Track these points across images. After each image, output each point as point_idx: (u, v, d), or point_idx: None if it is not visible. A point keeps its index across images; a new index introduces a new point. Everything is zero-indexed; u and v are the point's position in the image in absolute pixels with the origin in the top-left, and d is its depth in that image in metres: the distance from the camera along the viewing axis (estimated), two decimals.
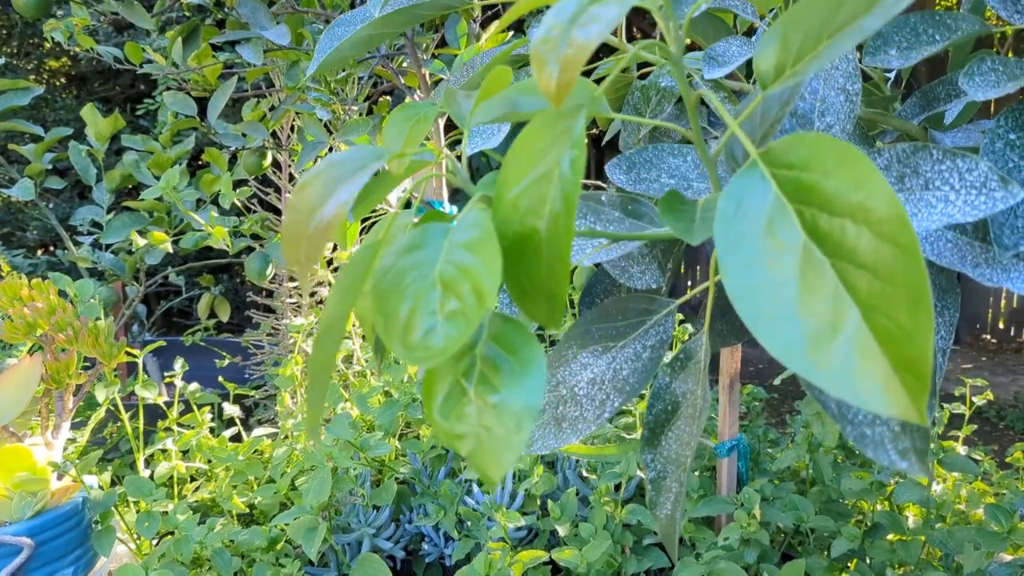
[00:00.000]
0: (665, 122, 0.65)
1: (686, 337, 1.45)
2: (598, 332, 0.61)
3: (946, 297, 0.66)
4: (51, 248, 4.32)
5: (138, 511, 1.07)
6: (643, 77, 0.78)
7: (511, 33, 1.49)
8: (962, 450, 1.57)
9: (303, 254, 0.39)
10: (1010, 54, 0.66)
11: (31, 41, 4.27)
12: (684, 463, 0.57)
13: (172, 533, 1.06)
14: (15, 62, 4.54)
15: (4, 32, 4.38)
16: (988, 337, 4.44)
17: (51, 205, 4.10)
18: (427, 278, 0.35)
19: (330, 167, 0.41)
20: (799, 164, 0.32)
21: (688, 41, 0.54)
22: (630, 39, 1.06)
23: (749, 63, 0.68)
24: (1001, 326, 4.41)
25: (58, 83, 4.71)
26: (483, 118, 0.48)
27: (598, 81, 0.84)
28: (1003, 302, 4.42)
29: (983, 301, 4.46)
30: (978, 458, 1.61)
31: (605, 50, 0.67)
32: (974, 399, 1.64)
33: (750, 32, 0.90)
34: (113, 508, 1.06)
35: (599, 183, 1.26)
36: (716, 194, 0.43)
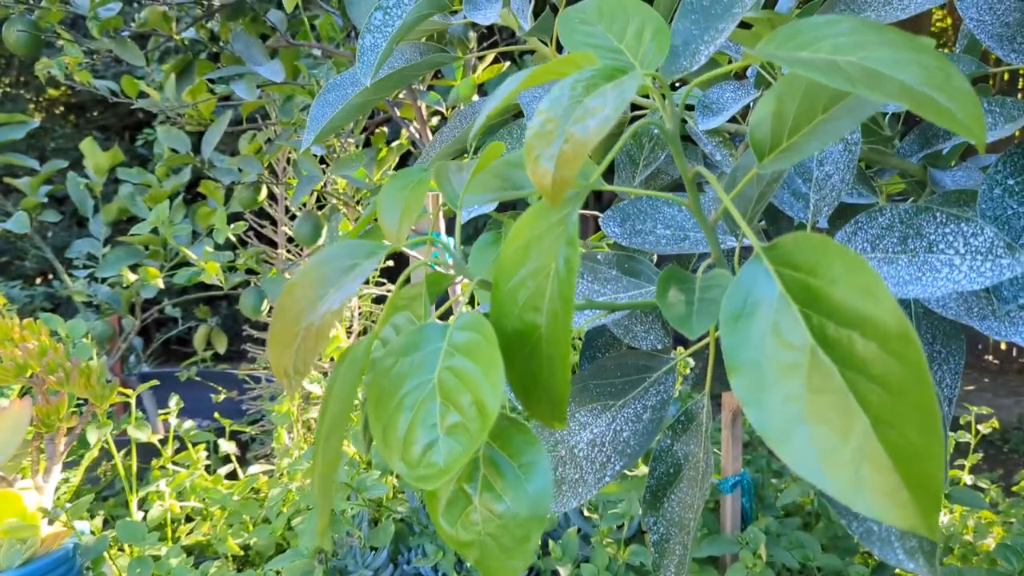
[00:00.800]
0: (658, 172, 0.64)
1: (687, 370, 1.44)
2: (596, 389, 0.59)
3: (950, 343, 0.64)
4: (49, 277, 4.32)
5: (131, 556, 1.05)
6: (635, 119, 0.77)
7: (507, 64, 1.48)
8: (968, 479, 1.55)
9: (291, 364, 0.37)
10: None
11: (31, 70, 4.29)
12: (688, 526, 0.55)
13: None
14: (15, 91, 4.56)
15: (3, 62, 4.40)
16: (990, 358, 4.42)
17: (50, 234, 4.11)
18: (425, 387, 0.33)
19: (319, 266, 0.39)
20: (805, 267, 0.30)
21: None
22: None
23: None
24: (1003, 347, 4.39)
25: (57, 111, 4.73)
26: (476, 198, 0.47)
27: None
28: None
29: None
30: (984, 486, 1.59)
31: None
32: (979, 427, 1.62)
33: (742, 72, 0.89)
34: (105, 553, 1.04)
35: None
36: (716, 272, 0.42)
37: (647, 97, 0.52)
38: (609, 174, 0.89)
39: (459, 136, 0.74)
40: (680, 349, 0.75)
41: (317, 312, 0.34)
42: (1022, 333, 0.53)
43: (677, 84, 0.74)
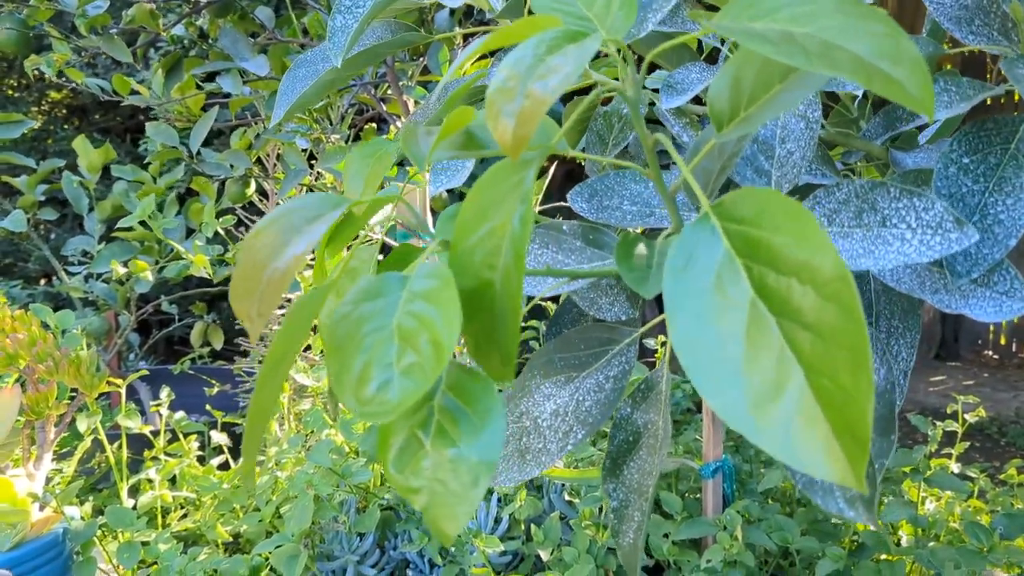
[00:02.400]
0: (627, 153, 0.65)
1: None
2: (561, 362, 0.61)
3: (907, 318, 0.66)
4: (51, 278, 4.34)
5: (120, 542, 1.07)
6: (607, 101, 0.79)
7: (493, 59, 1.50)
8: (956, 467, 1.56)
9: (255, 309, 0.39)
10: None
11: (33, 74, 4.32)
12: (646, 492, 0.57)
13: (155, 564, 1.06)
14: (17, 94, 4.59)
15: (5, 65, 4.43)
16: (990, 353, 4.42)
17: (52, 236, 4.13)
18: (384, 329, 0.34)
19: (286, 214, 0.41)
20: (749, 219, 0.31)
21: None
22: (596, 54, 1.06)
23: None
24: (1003, 342, 4.39)
25: (59, 114, 4.76)
26: (443, 155, 0.48)
27: (563, 98, 0.84)
28: None
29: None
30: (973, 475, 1.60)
31: None
32: (967, 416, 1.63)
33: (713, 56, 0.91)
34: (95, 539, 1.06)
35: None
36: (674, 237, 0.44)
37: (617, 80, 0.53)
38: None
39: (435, 115, 0.76)
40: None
41: (282, 258, 0.36)
42: (972, 306, 0.54)
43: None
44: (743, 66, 0.42)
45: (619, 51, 0.44)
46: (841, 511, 0.46)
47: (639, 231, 0.70)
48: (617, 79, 0.50)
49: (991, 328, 4.45)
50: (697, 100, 0.81)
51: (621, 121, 0.73)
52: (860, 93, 0.86)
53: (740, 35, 0.35)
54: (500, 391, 0.60)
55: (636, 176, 0.67)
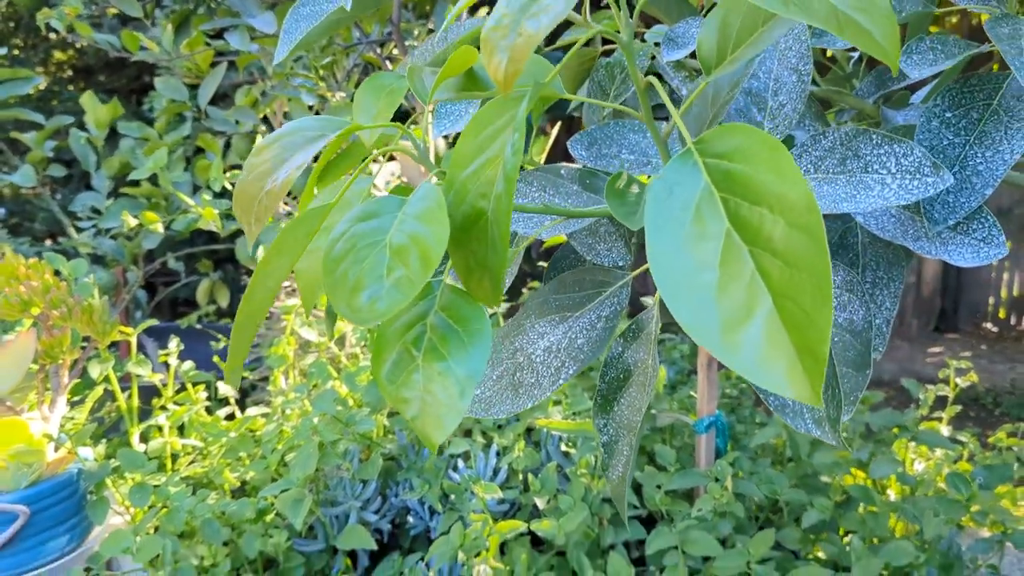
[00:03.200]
0: (626, 106, 0.68)
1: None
2: (556, 303, 0.63)
3: (892, 269, 0.69)
4: (58, 239, 4.37)
5: (132, 484, 1.10)
6: (608, 53, 0.81)
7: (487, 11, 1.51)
8: (946, 431, 1.59)
9: (254, 215, 0.42)
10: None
11: (38, 34, 4.31)
12: (635, 428, 0.60)
13: (166, 506, 1.10)
14: (23, 54, 4.59)
15: (11, 24, 4.42)
16: (988, 326, 4.44)
17: (59, 195, 4.16)
18: (378, 245, 0.37)
19: (288, 133, 0.44)
20: (728, 154, 0.33)
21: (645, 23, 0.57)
22: (599, 6, 1.08)
23: None
24: (1002, 315, 4.42)
25: (65, 75, 4.75)
26: (446, 94, 0.50)
27: (565, 50, 0.86)
28: (1003, 291, 4.42)
29: (984, 290, 4.46)
30: (964, 440, 1.63)
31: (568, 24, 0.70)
32: (958, 381, 1.66)
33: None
34: (107, 481, 1.10)
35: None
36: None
37: (618, 32, 0.56)
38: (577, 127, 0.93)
39: (434, 59, 0.78)
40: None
41: (282, 171, 0.39)
42: (950, 252, 0.57)
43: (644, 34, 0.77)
44: (730, 13, 0.44)
45: None
46: (809, 430, 0.49)
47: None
48: (618, 32, 0.52)
49: (990, 301, 4.48)
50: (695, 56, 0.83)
51: (623, 72, 0.75)
52: (856, 54, 0.88)
53: None
54: (491, 315, 0.63)
55: (635, 126, 0.70)
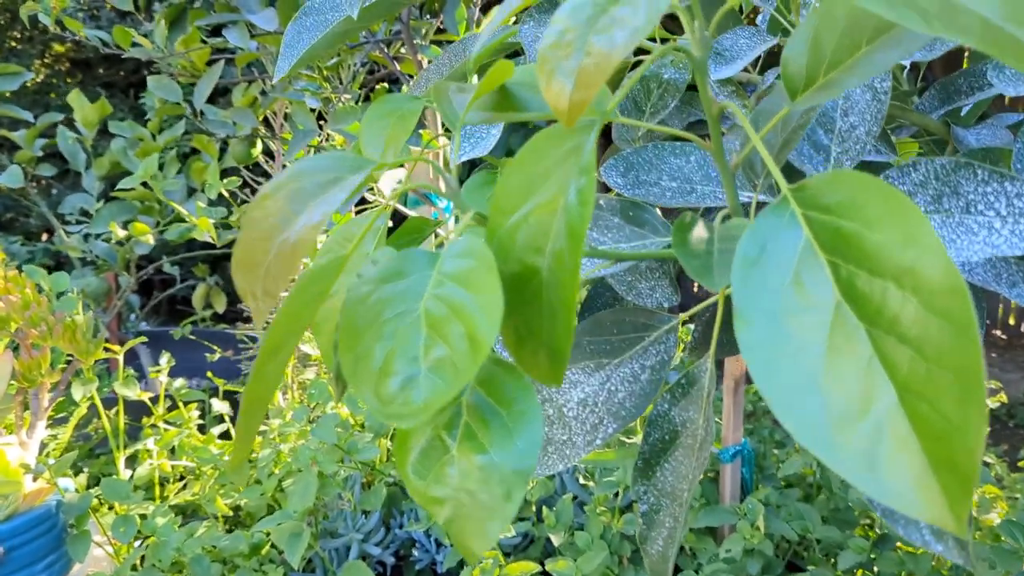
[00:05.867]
0: (683, 132, 0.60)
1: (688, 338, 1.40)
2: (590, 346, 0.56)
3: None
4: (52, 234, 4.30)
5: (116, 515, 1.03)
6: (635, 65, 0.73)
7: (513, 20, 1.43)
8: None
9: (260, 286, 0.33)
10: None
11: (36, 26, 4.24)
12: (680, 497, 0.52)
13: (152, 537, 1.02)
14: (20, 46, 4.51)
15: (8, 16, 4.34)
16: (998, 333, 4.37)
17: (54, 192, 4.08)
18: (410, 315, 0.29)
19: (296, 177, 0.34)
20: (838, 209, 0.27)
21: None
22: None
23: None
24: (1012, 322, 4.35)
25: (62, 68, 4.67)
26: (477, 116, 0.42)
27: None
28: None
29: (993, 297, 4.39)
30: (989, 460, 1.56)
31: None
32: (987, 402, 1.58)
33: (753, 15, 0.85)
34: (90, 511, 1.02)
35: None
36: (736, 221, 0.38)
37: (654, 40, 0.48)
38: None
39: (450, 74, 0.70)
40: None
41: (293, 227, 0.30)
42: None
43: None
44: (824, 25, 0.36)
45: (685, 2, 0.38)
46: (927, 544, 0.41)
47: (696, 211, 0.65)
48: (653, 40, 0.45)
49: (1000, 308, 4.41)
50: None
51: (661, 87, 0.67)
52: (908, 64, 0.80)
53: None
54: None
55: (676, 149, 0.62)
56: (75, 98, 1.53)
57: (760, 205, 0.54)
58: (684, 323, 0.56)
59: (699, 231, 0.40)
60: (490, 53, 0.67)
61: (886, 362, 0.23)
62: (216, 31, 1.46)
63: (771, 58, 0.64)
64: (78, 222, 1.73)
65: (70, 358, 1.14)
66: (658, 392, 0.53)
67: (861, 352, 0.24)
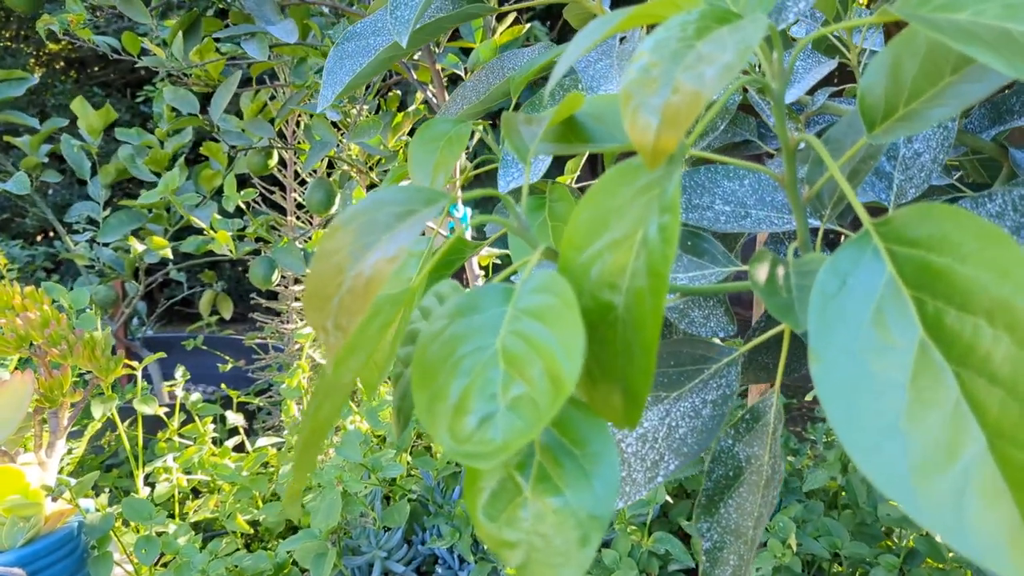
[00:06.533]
0: (752, 164, 0.59)
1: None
2: None
3: None
4: (50, 235, 4.26)
5: (137, 533, 1.01)
6: None
7: (527, 26, 1.42)
8: None
9: (331, 321, 0.32)
10: None
11: (31, 24, 4.19)
12: (746, 535, 0.51)
13: (174, 558, 1.01)
14: (15, 45, 4.47)
15: (3, 14, 4.30)
16: None
17: (50, 192, 4.04)
18: (486, 351, 0.28)
19: (368, 210, 0.33)
20: (926, 243, 0.25)
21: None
22: None
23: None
24: None
25: (58, 67, 4.63)
26: (547, 149, 0.41)
27: None
28: None
29: None
30: None
31: None
32: None
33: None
34: (111, 531, 1.00)
35: None
36: (813, 255, 0.37)
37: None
38: None
39: (488, 95, 0.69)
40: (738, 341, 0.70)
41: (366, 260, 0.29)
42: None
43: None
44: (903, 53, 0.35)
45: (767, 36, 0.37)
46: None
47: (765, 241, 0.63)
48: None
49: None
50: None
51: (709, 109, 0.65)
52: None
53: (941, 30, 0.28)
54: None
55: (729, 172, 0.61)
56: (78, 106, 1.51)
57: (826, 235, 0.52)
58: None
59: (775, 267, 0.38)
60: (536, 74, 0.65)
61: (975, 404, 0.22)
62: (227, 36, 1.44)
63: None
64: (85, 230, 1.70)
65: (84, 372, 1.12)
66: (720, 427, 0.52)
67: (947, 394, 0.22)
